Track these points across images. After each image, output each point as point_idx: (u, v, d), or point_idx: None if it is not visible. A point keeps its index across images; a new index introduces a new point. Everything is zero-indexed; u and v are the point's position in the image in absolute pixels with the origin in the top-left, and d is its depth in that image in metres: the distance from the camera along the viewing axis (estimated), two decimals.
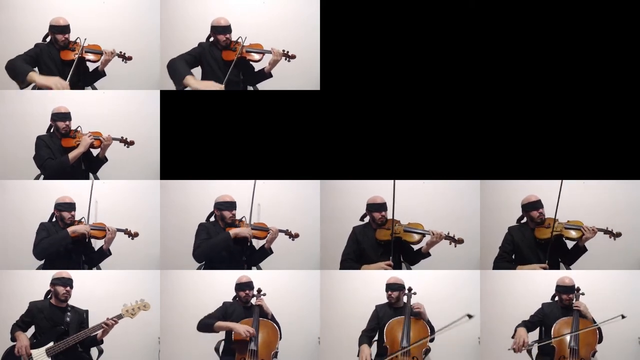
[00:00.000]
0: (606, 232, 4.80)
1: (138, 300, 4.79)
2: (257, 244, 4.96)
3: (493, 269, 4.89)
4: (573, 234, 4.83)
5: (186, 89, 4.85)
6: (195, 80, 4.87)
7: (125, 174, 4.96)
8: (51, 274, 4.80)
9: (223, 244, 4.86)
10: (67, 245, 4.84)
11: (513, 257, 4.91)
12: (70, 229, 4.83)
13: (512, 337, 4.81)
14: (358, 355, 4.80)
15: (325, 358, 4.91)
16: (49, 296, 4.82)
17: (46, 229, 4.86)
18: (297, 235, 4.90)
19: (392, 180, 4.86)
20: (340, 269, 4.92)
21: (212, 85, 4.89)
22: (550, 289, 4.89)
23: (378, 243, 4.91)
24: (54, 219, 4.91)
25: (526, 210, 4.90)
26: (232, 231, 4.87)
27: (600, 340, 4.78)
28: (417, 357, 4.75)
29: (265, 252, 4.91)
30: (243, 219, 4.94)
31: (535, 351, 4.84)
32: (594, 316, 4.81)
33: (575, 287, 4.85)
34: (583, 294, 4.84)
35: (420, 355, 4.77)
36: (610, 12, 4.85)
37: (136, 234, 4.88)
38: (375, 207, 4.93)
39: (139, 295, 4.80)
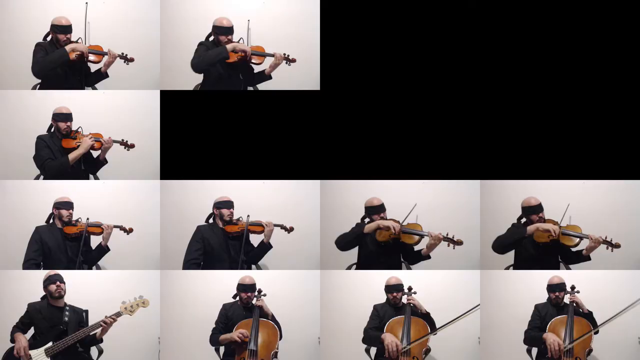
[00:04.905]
0: (604, 242, 4.79)
1: (137, 297, 4.77)
2: (256, 241, 4.95)
3: (494, 245, 4.86)
4: (572, 241, 4.83)
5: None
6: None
7: (125, 174, 4.96)
8: (51, 274, 4.79)
9: None
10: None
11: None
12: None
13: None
14: (383, 344, 4.73)
15: (325, 358, 4.91)
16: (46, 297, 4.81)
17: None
18: (292, 229, 4.89)
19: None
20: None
21: None
22: None
23: (378, 245, 4.90)
24: (51, 220, 4.90)
25: (526, 213, 4.89)
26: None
27: (596, 332, 4.77)
28: (417, 356, 4.75)
29: (265, 247, 4.90)
30: (241, 218, 4.94)
31: (535, 352, 4.85)
32: (593, 317, 4.83)
33: (570, 285, 4.85)
34: (578, 292, 4.84)
35: (421, 355, 4.76)
36: (610, 12, 4.87)
37: (131, 230, 4.86)
38: (374, 210, 4.93)
39: (138, 295, 4.79)
